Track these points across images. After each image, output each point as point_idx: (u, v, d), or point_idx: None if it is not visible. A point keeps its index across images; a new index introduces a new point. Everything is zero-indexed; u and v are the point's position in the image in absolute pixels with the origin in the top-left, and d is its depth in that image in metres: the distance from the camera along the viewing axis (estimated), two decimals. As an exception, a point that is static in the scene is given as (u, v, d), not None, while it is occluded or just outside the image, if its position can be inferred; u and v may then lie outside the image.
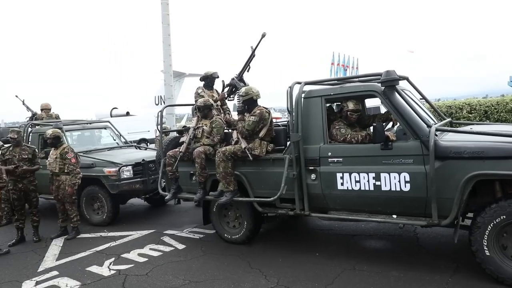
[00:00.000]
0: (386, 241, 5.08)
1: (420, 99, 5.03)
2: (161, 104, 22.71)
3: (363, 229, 5.52)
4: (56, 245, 5.71)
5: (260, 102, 4.99)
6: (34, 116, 8.94)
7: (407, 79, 4.51)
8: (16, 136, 6.01)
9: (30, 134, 7.61)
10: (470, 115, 9.87)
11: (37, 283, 4.38)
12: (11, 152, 6.00)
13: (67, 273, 4.58)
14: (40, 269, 4.81)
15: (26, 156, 6.00)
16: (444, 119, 5.07)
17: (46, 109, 9.00)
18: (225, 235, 5.26)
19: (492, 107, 9.70)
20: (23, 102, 9.35)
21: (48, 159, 6.10)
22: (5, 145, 6.49)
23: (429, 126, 3.84)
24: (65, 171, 5.95)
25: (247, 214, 5.04)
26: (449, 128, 4.22)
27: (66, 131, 7.41)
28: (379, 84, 4.11)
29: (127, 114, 22.36)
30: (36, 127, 7.86)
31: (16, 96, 9.59)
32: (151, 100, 24.42)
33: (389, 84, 3.97)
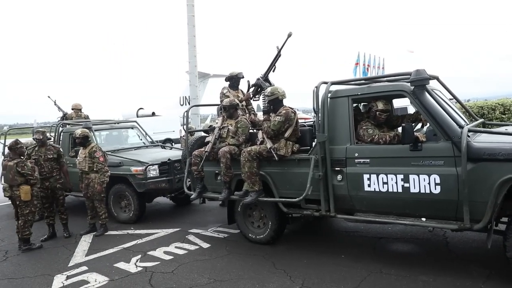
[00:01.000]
0: (414, 244, 4.96)
1: (450, 99, 4.89)
2: (185, 104, 23.01)
3: (390, 232, 5.41)
4: (85, 241, 5.87)
5: (285, 102, 4.97)
6: (65, 116, 9.21)
7: (437, 78, 4.39)
8: (41, 137, 6.19)
9: (61, 134, 7.85)
10: (504, 116, 9.50)
11: (68, 277, 4.51)
12: (37, 152, 6.18)
13: (96, 269, 4.70)
14: (71, 264, 4.95)
15: (52, 156, 6.18)
16: (476, 120, 4.91)
17: (76, 109, 9.27)
18: (250, 235, 5.26)
19: (527, 108, 9.32)
20: (54, 102, 9.65)
21: (78, 158, 6.25)
22: (29, 146, 6.60)
23: (461, 126, 3.73)
24: (94, 169, 6.09)
25: (272, 214, 5.02)
26: (482, 129, 4.08)
27: (95, 130, 7.61)
28: (409, 84, 4.01)
29: (153, 114, 22.75)
30: (67, 126, 8.10)
31: (49, 97, 9.91)
32: (176, 100, 24.77)
33: (419, 83, 3.87)
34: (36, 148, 6.25)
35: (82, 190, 6.31)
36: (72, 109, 9.26)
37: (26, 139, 8.26)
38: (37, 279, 4.51)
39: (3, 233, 6.58)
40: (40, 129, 6.51)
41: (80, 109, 9.37)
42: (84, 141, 6.21)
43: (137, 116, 20.98)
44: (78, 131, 6.26)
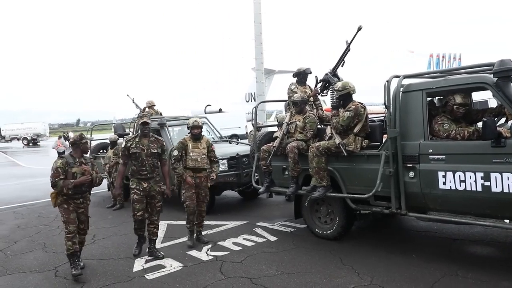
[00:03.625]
0: (494, 248, 4.63)
1: None
2: (251, 101, 23.45)
3: (467, 234, 5.10)
4: (161, 230, 6.27)
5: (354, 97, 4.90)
6: (142, 113, 9.87)
7: None
8: (148, 123, 4.92)
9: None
10: None
11: (146, 261, 4.88)
12: (138, 145, 4.89)
13: (171, 255, 5.03)
14: (147, 249, 5.34)
15: (156, 151, 4.95)
16: None
17: (151, 105, 9.90)
18: (316, 230, 5.28)
19: None
20: (133, 100, 10.39)
21: (192, 154, 5.26)
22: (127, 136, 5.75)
23: (552, 121, 3.41)
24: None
25: (339, 210, 4.99)
26: None
27: (169, 126, 8.09)
28: (491, 75, 3.75)
29: (220, 110, 23.51)
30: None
31: (127, 95, 10.69)
32: (242, 97, 25.35)
33: (504, 74, 3.60)
34: (137, 139, 4.95)
35: (186, 193, 5.27)
36: (148, 106, 9.90)
37: (109, 135, 9.03)
38: (120, 261, 4.95)
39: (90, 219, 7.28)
40: (147, 113, 5.48)
41: (154, 105, 9.98)
42: (199, 135, 5.36)
43: (205, 113, 21.84)
44: (193, 120, 5.44)
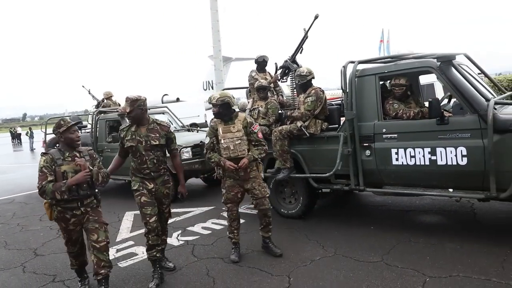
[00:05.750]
0: (442, 216, 5.13)
1: (479, 73, 4.96)
2: (209, 89, 23.30)
3: (418, 205, 5.59)
4: (127, 220, 6.31)
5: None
6: (100, 104, 9.66)
7: (465, 54, 4.49)
8: (128, 110, 3.75)
9: (98, 121, 8.27)
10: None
11: (117, 250, 4.93)
12: (135, 135, 3.81)
13: (142, 243, 5.06)
14: (118, 239, 5.38)
15: (157, 142, 3.81)
16: (505, 93, 4.97)
17: (109, 97, 9.70)
18: (282, 210, 5.55)
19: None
20: (89, 91, 10.11)
21: (225, 140, 4.02)
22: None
23: (487, 100, 3.84)
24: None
25: (303, 190, 5.29)
26: (509, 101, 4.17)
27: (129, 116, 7.98)
28: (435, 60, 4.13)
29: (177, 100, 23.16)
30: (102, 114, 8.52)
31: (83, 86, 10.37)
32: (199, 85, 25.09)
33: (446, 59, 3.99)
34: (133, 128, 3.85)
35: (227, 194, 4.26)
36: (105, 98, 9.70)
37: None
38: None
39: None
40: (132, 96, 3.81)
41: (112, 96, 9.79)
42: (228, 111, 4.06)
43: (162, 102, 21.42)
44: (217, 95, 4.07)
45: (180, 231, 5.45)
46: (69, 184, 3.31)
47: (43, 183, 3.29)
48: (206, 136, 4.26)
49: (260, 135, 4.13)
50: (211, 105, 4.11)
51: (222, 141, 4.02)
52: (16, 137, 36.18)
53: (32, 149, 26.41)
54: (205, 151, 4.24)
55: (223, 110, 4.01)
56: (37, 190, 3.34)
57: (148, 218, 3.80)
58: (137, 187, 3.86)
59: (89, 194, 3.50)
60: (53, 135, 9.94)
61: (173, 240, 5.13)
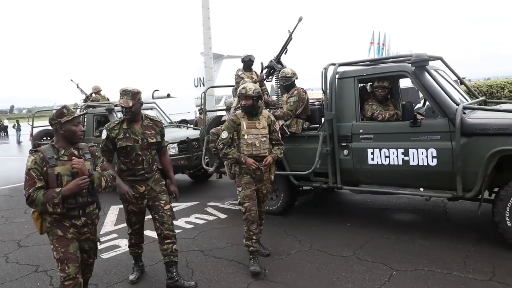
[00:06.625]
0: (416, 214, 5.35)
1: (463, 77, 5.17)
2: (200, 86, 23.38)
3: (394, 204, 5.80)
4: (112, 213, 6.42)
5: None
6: (89, 98, 9.70)
7: (441, 59, 4.70)
8: (131, 103, 3.33)
9: (85, 116, 8.33)
10: (512, 94, 9.67)
11: (101, 243, 5.04)
12: (128, 134, 3.43)
13: (125, 236, 5.16)
14: (102, 232, 5.49)
15: (154, 140, 3.53)
16: (477, 98, 5.19)
17: (97, 91, 9.75)
18: (263, 206, 5.71)
19: (536, 86, 9.45)
20: (77, 85, 10.14)
21: (248, 136, 3.80)
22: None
23: (458, 104, 4.04)
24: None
25: (284, 187, 5.46)
26: (477, 106, 4.38)
27: (117, 111, 8.08)
28: (410, 65, 4.33)
29: (168, 96, 23.17)
30: (90, 108, 8.59)
31: (71, 80, 10.39)
32: (191, 82, 25.13)
33: (419, 64, 4.19)
34: (125, 126, 3.45)
35: (244, 191, 3.90)
36: (94, 92, 9.74)
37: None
38: (74, 244, 5.05)
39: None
40: (129, 89, 3.39)
41: (100, 91, 9.84)
42: (252, 108, 3.78)
43: (153, 98, 21.45)
44: (252, 86, 3.80)
45: (163, 225, 5.56)
46: (64, 194, 2.65)
47: (30, 190, 2.63)
48: (223, 129, 3.91)
49: (279, 134, 4.02)
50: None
51: (246, 137, 3.76)
52: (2, 129, 35.80)
53: (19, 142, 26.21)
54: (220, 145, 3.88)
55: (257, 103, 3.77)
56: (24, 192, 2.73)
57: (132, 225, 3.78)
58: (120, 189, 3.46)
59: (88, 201, 2.87)
60: (41, 129, 9.92)
61: (155, 234, 5.24)
